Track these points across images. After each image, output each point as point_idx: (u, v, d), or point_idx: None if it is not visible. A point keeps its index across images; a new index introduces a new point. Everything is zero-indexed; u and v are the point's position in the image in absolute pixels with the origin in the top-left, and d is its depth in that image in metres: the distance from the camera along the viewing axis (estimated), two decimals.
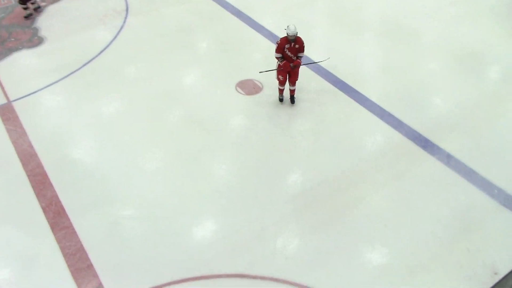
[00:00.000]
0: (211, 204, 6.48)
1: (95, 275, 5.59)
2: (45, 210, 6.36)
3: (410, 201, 6.50)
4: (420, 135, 7.48)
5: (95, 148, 7.30)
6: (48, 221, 6.21)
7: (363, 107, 8.04)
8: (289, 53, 7.43)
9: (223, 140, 7.42)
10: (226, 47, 9.59)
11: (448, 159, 7.09)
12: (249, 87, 8.45)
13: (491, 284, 5.49)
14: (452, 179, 6.81)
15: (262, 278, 5.57)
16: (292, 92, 8.04)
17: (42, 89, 8.42)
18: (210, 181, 6.80)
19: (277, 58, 7.57)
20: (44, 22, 10.29)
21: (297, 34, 7.25)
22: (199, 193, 6.61)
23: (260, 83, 8.51)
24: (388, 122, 7.73)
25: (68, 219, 6.22)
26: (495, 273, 5.63)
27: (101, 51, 9.32)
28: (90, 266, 5.68)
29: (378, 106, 8.05)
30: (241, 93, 8.33)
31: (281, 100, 8.12)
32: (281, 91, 8.06)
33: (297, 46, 7.38)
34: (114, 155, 7.17)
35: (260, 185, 6.70)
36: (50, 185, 6.70)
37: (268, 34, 9.84)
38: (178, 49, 9.46)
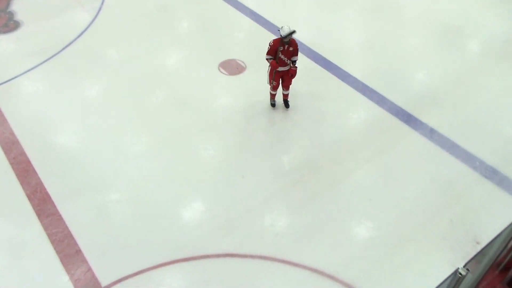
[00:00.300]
0: (198, 185, 6.49)
1: (84, 260, 5.59)
2: (30, 197, 6.30)
3: (394, 175, 6.60)
4: (402, 110, 7.55)
5: (79, 133, 7.21)
6: (34, 209, 6.17)
7: (346, 84, 8.06)
8: (282, 57, 6.92)
9: (208, 121, 7.40)
10: (207, 27, 9.47)
11: (430, 133, 7.18)
12: (232, 67, 8.39)
13: (474, 254, 5.64)
14: (435, 152, 6.92)
15: (252, 256, 5.64)
16: (285, 96, 7.58)
17: (21, 74, 8.23)
18: (196, 162, 6.80)
19: (267, 60, 7.03)
20: (19, 5, 10.00)
21: (291, 35, 6.77)
22: (186, 174, 6.61)
23: (243, 62, 8.46)
24: (371, 98, 7.78)
25: (54, 206, 6.18)
26: (477, 243, 5.79)
27: (80, 34, 9.13)
28: (78, 252, 5.68)
29: (361, 82, 8.08)
30: (224, 73, 8.28)
31: (273, 105, 7.61)
32: (273, 96, 7.57)
33: (291, 49, 6.90)
34: (98, 139, 7.10)
35: (246, 165, 6.72)
36: (34, 172, 6.62)
37: (250, 13, 9.73)
38: (159, 29, 9.31)
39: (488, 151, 6.92)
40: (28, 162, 6.76)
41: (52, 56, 8.61)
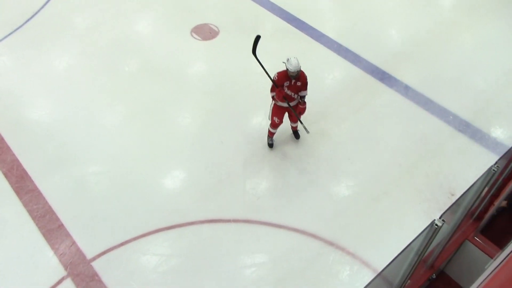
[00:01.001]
0: (178, 153, 6.48)
1: (68, 235, 5.59)
2: (6, 175, 6.20)
3: (371, 133, 6.70)
4: (377, 68, 7.59)
5: (51, 107, 7.05)
6: (12, 186, 6.08)
7: (320, 44, 8.02)
8: (289, 92, 5.82)
9: (183, 88, 7.31)
10: None
11: (405, 89, 7.26)
12: (205, 32, 8.22)
13: (449, 205, 5.84)
14: (410, 108, 7.03)
15: (235, 220, 5.73)
16: (294, 128, 6.56)
17: None
18: (174, 130, 6.76)
19: (273, 98, 5.95)
20: None
21: (300, 69, 5.65)
22: (164, 143, 6.58)
23: (216, 27, 8.30)
24: (345, 57, 7.77)
25: (32, 182, 6.10)
26: (452, 195, 5.99)
27: (45, 3, 8.75)
28: (61, 226, 5.67)
29: (335, 41, 8.04)
30: (197, 38, 8.12)
31: (271, 145, 6.46)
32: (271, 134, 6.42)
33: (299, 83, 5.77)
34: (72, 112, 6.96)
35: (224, 130, 6.71)
36: (9, 149, 6.49)
37: None
38: None
39: (461, 105, 7.06)
40: (1, 138, 6.61)
41: (17, 29, 8.27)
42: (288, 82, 5.74)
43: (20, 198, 5.96)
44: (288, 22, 8.41)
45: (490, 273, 3.35)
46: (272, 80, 5.76)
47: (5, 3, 8.81)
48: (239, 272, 5.31)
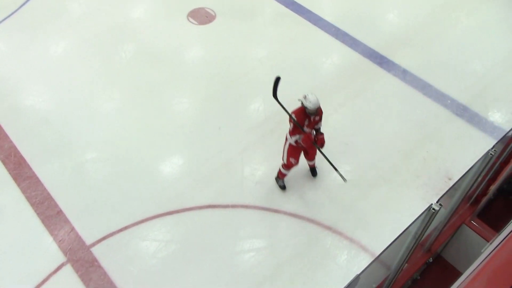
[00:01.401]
0: (176, 140, 6.47)
1: (67, 221, 5.61)
2: (4, 162, 6.19)
3: (369, 118, 6.70)
4: (375, 52, 7.55)
5: (48, 93, 7.01)
6: (10, 173, 6.08)
7: (318, 28, 7.96)
8: (307, 130, 5.24)
9: (181, 74, 7.27)
10: None
11: (403, 74, 7.24)
12: (201, 16, 8.15)
13: (446, 189, 5.87)
14: (409, 93, 7.01)
15: (233, 206, 5.75)
16: (312, 165, 5.99)
17: None
18: (172, 116, 6.74)
19: (295, 140, 5.32)
20: None
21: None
22: (162, 129, 6.56)
23: (212, 10, 8.22)
24: (343, 41, 7.73)
25: (30, 169, 6.10)
26: (449, 179, 6.01)
27: None
28: (59, 213, 5.68)
29: (333, 25, 7.99)
30: (193, 23, 8.04)
31: (283, 187, 5.87)
32: (283, 176, 5.82)
33: (317, 118, 5.26)
34: (69, 98, 6.93)
35: (222, 116, 6.69)
36: (6, 136, 6.47)
37: None
38: None
39: (459, 89, 7.05)
40: None
41: (11, 14, 8.18)
42: (307, 120, 5.19)
43: (18, 184, 5.96)
44: (286, 6, 8.34)
45: (487, 256, 3.38)
46: (299, 125, 5.13)
47: None
48: (238, 257, 5.35)
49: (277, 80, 5.23)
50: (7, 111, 6.76)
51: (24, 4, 8.36)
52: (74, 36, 7.84)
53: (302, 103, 5.09)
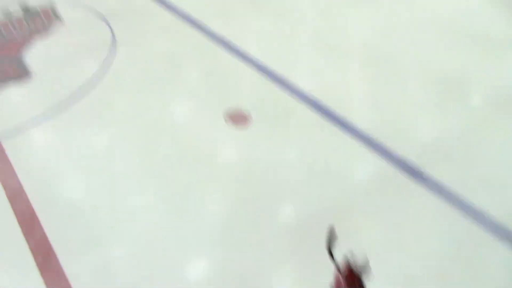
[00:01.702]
0: (205, 244, 6.42)
1: None
2: (33, 251, 6.29)
3: (400, 234, 6.50)
4: (409, 164, 7.52)
5: (84, 187, 7.26)
6: (36, 263, 6.13)
7: (350, 136, 8.05)
8: None
9: (214, 176, 7.41)
10: (211, 77, 9.52)
11: (438, 188, 7.12)
12: (238, 119, 8.44)
13: None
14: (444, 210, 6.82)
15: None
16: None
17: (31, 126, 8.35)
18: (202, 218, 6.75)
19: None
20: (31, 54, 10.22)
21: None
22: (193, 231, 6.56)
23: (250, 114, 8.51)
24: (376, 152, 7.77)
25: (58, 261, 6.14)
26: None
27: (89, 86, 9.28)
28: None
29: (365, 135, 8.09)
30: (230, 125, 8.32)
31: None
32: None
33: None
34: (104, 193, 7.13)
35: (253, 221, 6.67)
36: (39, 224, 6.63)
37: (255, 64, 9.81)
38: (166, 81, 9.43)
39: (499, 207, 6.80)
40: (33, 213, 6.78)
41: (62, 108, 8.74)
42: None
43: (43, 276, 5.98)
44: (318, 113, 8.52)
45: None
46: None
47: (53, 82, 9.36)
48: None
49: (333, 237, 4.66)
50: (44, 200, 6.99)
51: (74, 101, 8.92)
52: (116, 133, 8.23)
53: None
